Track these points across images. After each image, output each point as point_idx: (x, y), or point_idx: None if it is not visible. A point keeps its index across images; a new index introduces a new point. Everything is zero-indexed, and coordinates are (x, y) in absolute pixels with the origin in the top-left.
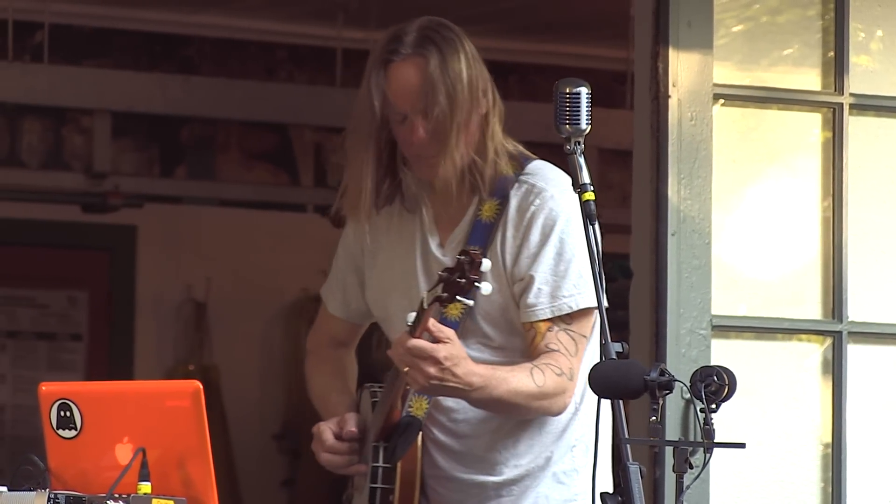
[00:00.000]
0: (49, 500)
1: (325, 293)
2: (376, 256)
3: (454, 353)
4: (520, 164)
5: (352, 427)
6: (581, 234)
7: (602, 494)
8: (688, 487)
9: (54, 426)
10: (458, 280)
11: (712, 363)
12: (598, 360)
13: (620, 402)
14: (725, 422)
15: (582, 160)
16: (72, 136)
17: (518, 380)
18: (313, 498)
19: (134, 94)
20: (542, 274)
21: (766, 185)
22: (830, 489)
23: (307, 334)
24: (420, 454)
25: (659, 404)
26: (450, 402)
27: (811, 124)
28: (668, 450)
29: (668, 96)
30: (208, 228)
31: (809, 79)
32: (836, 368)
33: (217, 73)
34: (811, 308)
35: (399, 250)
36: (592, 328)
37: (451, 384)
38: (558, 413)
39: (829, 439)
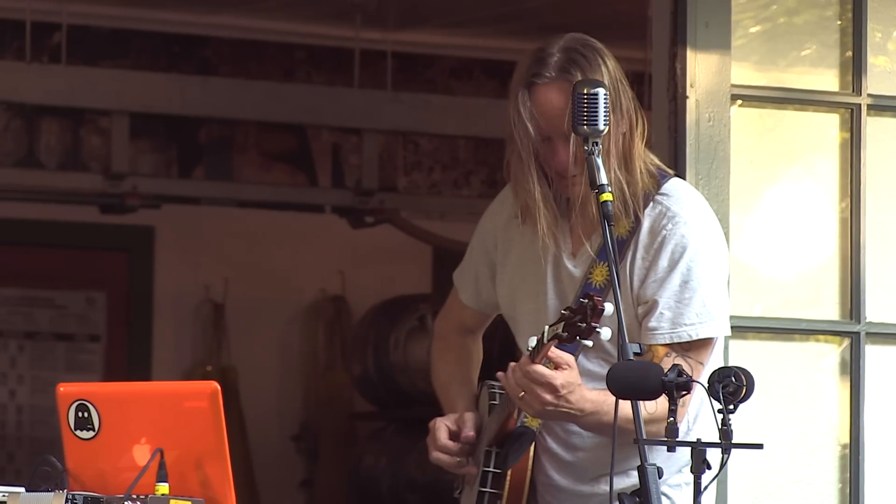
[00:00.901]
0: (67, 500)
1: (458, 280)
2: (509, 254)
3: (570, 380)
4: (656, 182)
5: (470, 431)
6: (712, 263)
7: (619, 495)
8: (705, 488)
9: (72, 427)
10: (579, 324)
11: (730, 364)
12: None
13: (638, 402)
14: (743, 422)
15: (599, 161)
16: (90, 136)
17: (627, 405)
18: (331, 498)
19: (152, 94)
20: (665, 299)
21: (784, 185)
22: (848, 490)
23: (325, 335)
24: (531, 463)
25: (677, 405)
26: None
27: (829, 125)
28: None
29: (686, 97)
30: (226, 229)
31: (827, 79)
32: (853, 369)
33: (235, 73)
34: (829, 309)
35: (532, 253)
36: (711, 357)
37: (564, 410)
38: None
39: (846, 440)
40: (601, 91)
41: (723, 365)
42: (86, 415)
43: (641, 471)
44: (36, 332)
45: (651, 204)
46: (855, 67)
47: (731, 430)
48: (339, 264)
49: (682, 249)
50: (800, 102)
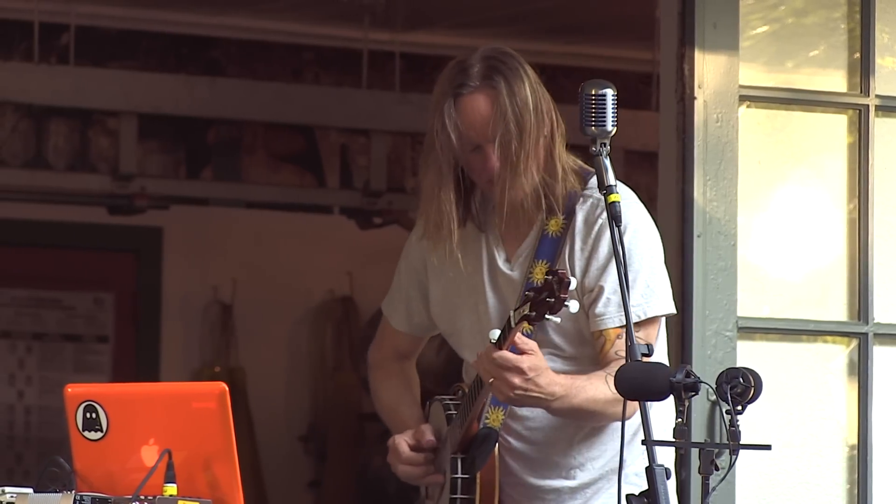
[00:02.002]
0: (75, 501)
1: (388, 308)
2: (441, 272)
3: (537, 364)
4: (583, 179)
5: (430, 436)
6: (650, 245)
7: (628, 496)
8: (714, 489)
9: (80, 428)
10: (548, 299)
11: (738, 365)
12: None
13: (647, 403)
14: (751, 423)
15: (607, 162)
16: (98, 137)
17: (595, 388)
18: (339, 499)
19: (160, 95)
20: (610, 284)
21: (792, 186)
22: (856, 491)
23: (333, 335)
24: (497, 463)
25: (685, 406)
26: (525, 410)
27: (837, 126)
28: (694, 451)
29: (694, 98)
30: (234, 230)
31: (835, 80)
32: (861, 370)
33: (243, 74)
34: (837, 310)
35: (465, 266)
36: (658, 336)
37: (535, 394)
38: (629, 417)
39: (854, 441)
40: (609, 92)
41: (730, 366)
42: (94, 416)
43: (650, 472)
44: (44, 332)
45: (581, 199)
46: (863, 68)
47: (739, 431)
48: (348, 265)
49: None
50: (808, 103)
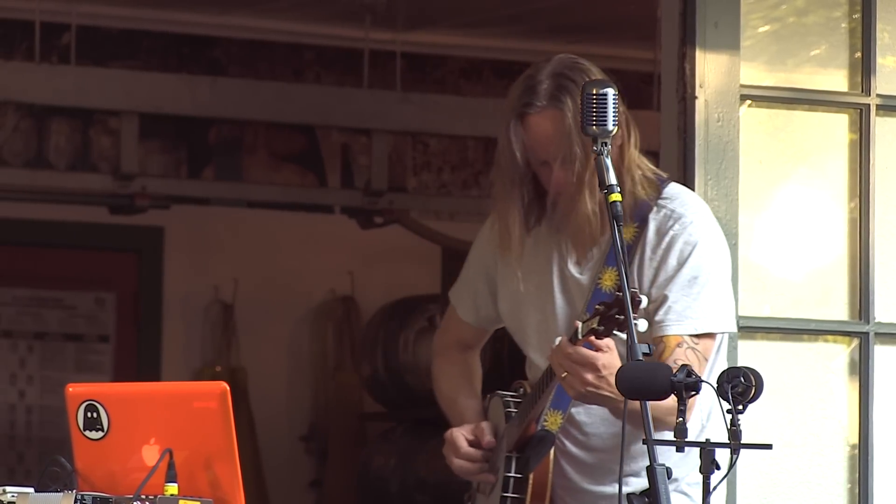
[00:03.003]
0: (76, 501)
1: (455, 297)
2: (511, 269)
3: (611, 362)
4: (657, 188)
5: (490, 437)
6: (719, 261)
7: (628, 495)
8: (714, 488)
9: (81, 427)
10: (616, 316)
11: (739, 364)
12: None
13: (647, 403)
14: (752, 423)
15: (608, 161)
16: (99, 137)
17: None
18: (340, 499)
19: (161, 95)
20: (674, 293)
21: (793, 185)
22: (857, 490)
23: (334, 335)
24: (551, 466)
25: (685, 405)
26: (582, 416)
27: (838, 125)
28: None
29: (695, 97)
30: (236, 230)
31: (836, 80)
32: (862, 369)
33: (244, 74)
34: (838, 309)
35: (536, 265)
36: (717, 353)
37: (605, 392)
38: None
39: (855, 440)
40: (610, 91)
41: (731, 365)
42: (95, 415)
43: (651, 471)
44: (45, 332)
45: (655, 208)
46: (864, 68)
47: (740, 431)
48: (349, 265)
49: (690, 248)
50: (809, 103)
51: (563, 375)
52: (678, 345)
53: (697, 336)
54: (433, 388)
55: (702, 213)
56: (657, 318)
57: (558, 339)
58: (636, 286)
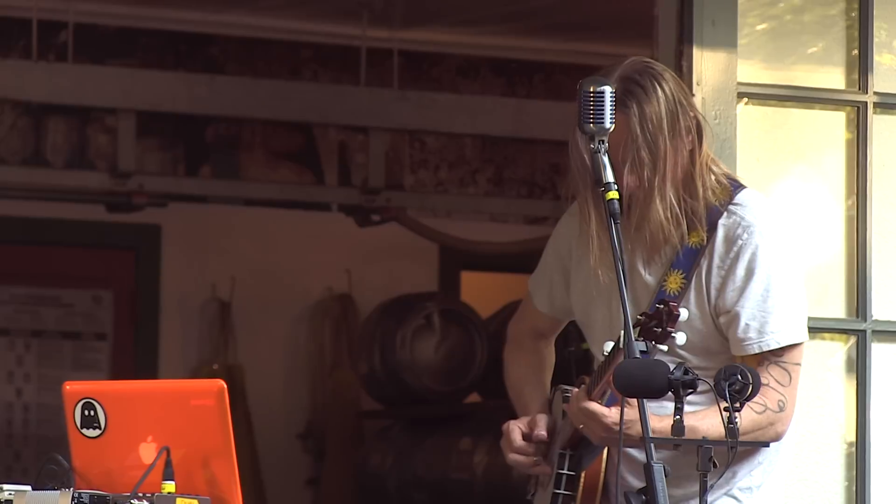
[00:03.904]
0: (73, 499)
1: (533, 286)
2: (583, 262)
3: (626, 418)
4: (729, 194)
5: (542, 431)
6: (789, 268)
7: (626, 494)
8: (712, 486)
9: (78, 425)
10: (654, 329)
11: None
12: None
13: (645, 401)
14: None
15: (606, 159)
16: (96, 135)
17: (707, 426)
18: (338, 497)
19: (159, 93)
20: (748, 310)
21: (790, 183)
22: (854, 488)
23: (331, 333)
24: (604, 465)
25: (682, 403)
26: None
27: (835, 123)
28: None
29: (693, 95)
30: (233, 228)
31: (833, 77)
32: (859, 367)
33: (242, 72)
34: (835, 307)
35: (608, 263)
36: (803, 354)
37: (627, 442)
38: (771, 443)
39: (853, 438)
40: (607, 89)
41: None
42: (92, 413)
43: (647, 469)
44: (42, 330)
45: (725, 214)
46: (861, 65)
47: (738, 428)
48: (346, 262)
49: (760, 258)
50: (806, 100)
51: (580, 427)
52: (758, 363)
53: (781, 348)
54: (504, 374)
55: (772, 220)
56: (738, 336)
57: (608, 343)
58: (702, 292)
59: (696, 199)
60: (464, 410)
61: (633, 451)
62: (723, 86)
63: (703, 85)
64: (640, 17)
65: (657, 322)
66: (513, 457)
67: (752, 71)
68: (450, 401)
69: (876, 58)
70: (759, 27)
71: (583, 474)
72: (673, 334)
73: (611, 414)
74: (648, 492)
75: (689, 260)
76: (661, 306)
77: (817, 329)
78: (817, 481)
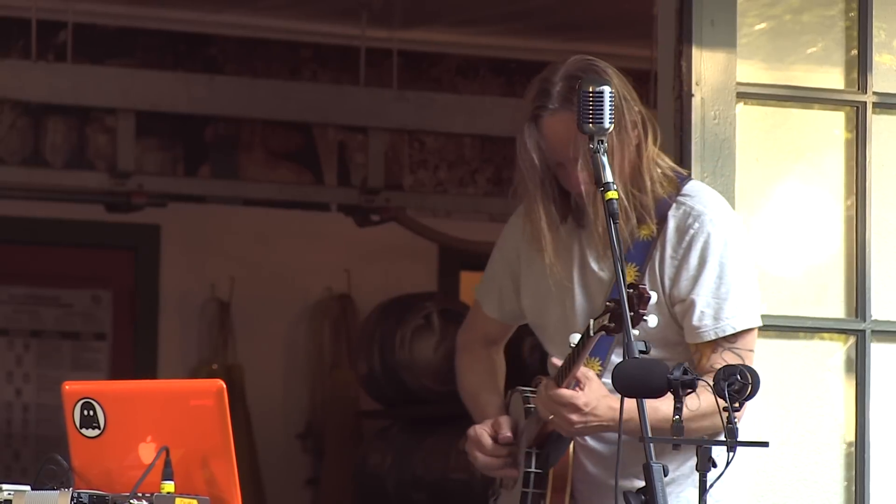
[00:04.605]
0: (72, 499)
1: (480, 293)
2: (534, 264)
3: (593, 397)
4: (676, 186)
5: (507, 432)
6: (741, 255)
7: (625, 493)
8: (711, 486)
9: (78, 425)
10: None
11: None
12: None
13: (644, 400)
14: (749, 421)
15: (605, 159)
16: (96, 135)
17: (669, 406)
18: (337, 497)
19: (158, 93)
20: (703, 297)
21: (790, 183)
22: (854, 488)
23: (330, 333)
24: (571, 461)
25: (682, 403)
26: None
27: (834, 123)
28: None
29: (692, 95)
30: (232, 228)
31: (832, 77)
32: (859, 367)
33: (241, 72)
34: (834, 307)
35: (559, 262)
36: (755, 341)
37: (595, 423)
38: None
39: (852, 438)
40: (606, 89)
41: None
42: (91, 413)
43: (647, 469)
44: (42, 330)
45: (674, 205)
46: (860, 65)
47: (737, 428)
48: (345, 263)
49: (712, 245)
50: (805, 100)
51: (549, 418)
52: (713, 350)
53: (735, 334)
54: (457, 383)
55: (721, 209)
56: (693, 324)
57: (574, 336)
58: (657, 284)
59: (644, 192)
60: (463, 410)
61: (592, 441)
62: (722, 86)
63: (703, 85)
64: (639, 17)
65: (628, 306)
66: (483, 459)
67: (751, 71)
68: (449, 401)
69: (875, 58)
70: (759, 27)
71: (551, 471)
72: (645, 317)
73: (582, 396)
74: (648, 492)
75: (642, 253)
76: (631, 290)
77: (816, 329)
78: (817, 481)
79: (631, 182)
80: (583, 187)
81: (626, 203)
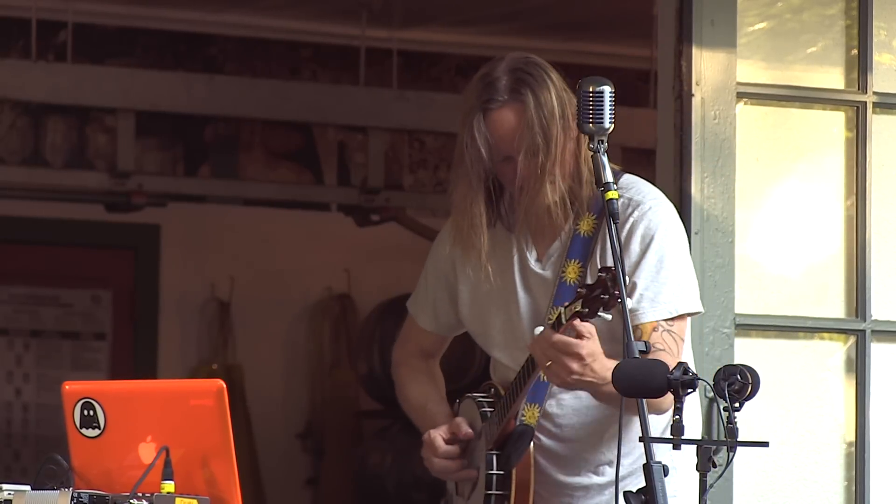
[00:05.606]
0: (72, 499)
1: (414, 307)
2: (471, 273)
3: (595, 349)
4: (613, 179)
5: (467, 429)
6: (680, 243)
7: (625, 493)
8: (711, 486)
9: (78, 425)
10: (601, 296)
11: (735, 362)
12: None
13: (643, 400)
14: (749, 420)
15: (605, 159)
16: (96, 135)
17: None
18: (337, 496)
19: (158, 93)
20: (643, 280)
21: (790, 183)
22: (854, 488)
23: (330, 333)
24: (532, 460)
25: (682, 403)
26: (554, 408)
27: (834, 122)
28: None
29: (692, 95)
30: (232, 227)
31: (832, 77)
32: (859, 367)
33: (241, 72)
34: (834, 307)
35: (496, 266)
36: (686, 335)
37: (589, 379)
38: (665, 411)
39: (852, 438)
40: (607, 89)
41: (727, 363)
42: (91, 413)
43: (647, 469)
44: (42, 330)
45: None
46: (860, 65)
47: (737, 428)
48: (345, 262)
49: (652, 233)
50: (805, 100)
51: (547, 364)
52: (654, 329)
53: (671, 319)
54: (398, 397)
55: (659, 198)
56: (632, 306)
57: (539, 328)
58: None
59: (581, 184)
60: None
61: (547, 440)
62: (722, 85)
63: (703, 85)
64: (639, 17)
65: (602, 289)
66: (440, 463)
67: (751, 71)
68: (449, 401)
69: (875, 57)
70: (758, 27)
71: (513, 472)
72: (620, 300)
73: (585, 345)
74: (648, 492)
75: (584, 248)
76: (604, 273)
77: (816, 329)
78: (817, 481)
79: (571, 174)
80: (520, 183)
81: (564, 192)
